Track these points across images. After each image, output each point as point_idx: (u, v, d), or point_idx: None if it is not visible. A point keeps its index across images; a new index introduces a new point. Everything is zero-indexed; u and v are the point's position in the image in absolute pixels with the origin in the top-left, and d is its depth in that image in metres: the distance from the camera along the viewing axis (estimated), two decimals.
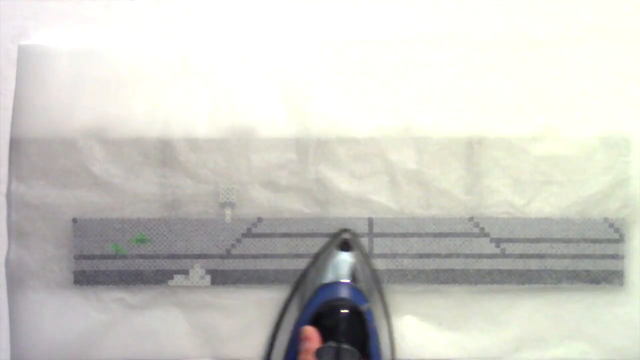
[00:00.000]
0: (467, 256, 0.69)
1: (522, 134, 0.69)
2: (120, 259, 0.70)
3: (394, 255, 0.69)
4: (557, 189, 0.69)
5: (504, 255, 0.69)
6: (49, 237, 0.69)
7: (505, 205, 0.69)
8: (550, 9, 0.70)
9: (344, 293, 0.65)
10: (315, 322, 0.64)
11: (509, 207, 0.69)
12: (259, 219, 0.70)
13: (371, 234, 0.70)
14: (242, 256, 0.70)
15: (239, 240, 0.70)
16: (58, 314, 0.70)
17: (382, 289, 0.69)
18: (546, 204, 0.69)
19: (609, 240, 0.69)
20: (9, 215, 0.70)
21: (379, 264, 0.69)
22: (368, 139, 0.69)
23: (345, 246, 0.68)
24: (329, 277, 0.67)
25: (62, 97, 0.69)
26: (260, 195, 0.69)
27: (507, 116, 0.69)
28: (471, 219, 0.69)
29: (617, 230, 0.69)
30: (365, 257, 0.69)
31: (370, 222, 0.70)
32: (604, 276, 0.69)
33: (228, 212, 0.70)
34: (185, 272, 0.70)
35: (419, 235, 0.69)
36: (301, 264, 0.69)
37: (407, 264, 0.69)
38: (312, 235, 0.69)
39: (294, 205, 0.70)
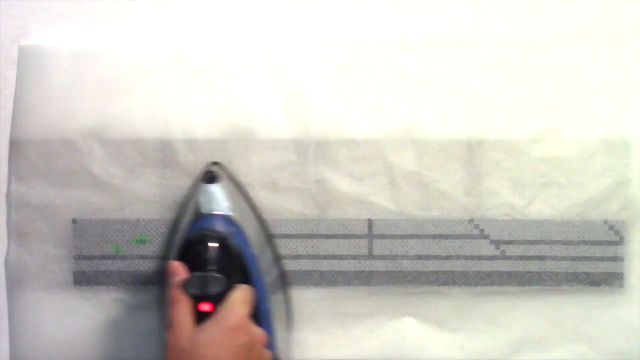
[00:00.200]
0: (466, 258, 0.69)
1: (522, 135, 0.69)
2: (120, 259, 0.70)
3: (393, 257, 0.69)
4: (557, 191, 0.69)
5: (503, 257, 0.69)
6: (48, 238, 0.69)
7: (505, 207, 0.69)
8: (550, 10, 0.70)
9: (208, 224, 0.63)
10: (184, 257, 0.62)
11: (508, 209, 0.69)
12: None
13: (371, 236, 0.69)
14: None
15: None
16: (58, 315, 0.70)
17: (264, 220, 0.68)
18: (546, 205, 0.69)
19: (609, 243, 0.69)
20: (8, 215, 0.70)
21: (379, 266, 0.69)
22: (368, 140, 0.69)
23: (212, 179, 0.66)
24: (193, 212, 0.65)
25: (62, 97, 0.69)
26: (260, 196, 0.69)
27: (507, 118, 0.69)
28: (471, 220, 0.69)
29: (616, 233, 0.69)
30: (239, 187, 0.68)
31: (370, 223, 0.69)
32: (604, 278, 0.69)
33: None
34: None
35: (419, 236, 0.69)
36: (301, 264, 0.69)
37: (407, 265, 0.69)
38: (312, 236, 0.69)
39: (293, 207, 0.69)
